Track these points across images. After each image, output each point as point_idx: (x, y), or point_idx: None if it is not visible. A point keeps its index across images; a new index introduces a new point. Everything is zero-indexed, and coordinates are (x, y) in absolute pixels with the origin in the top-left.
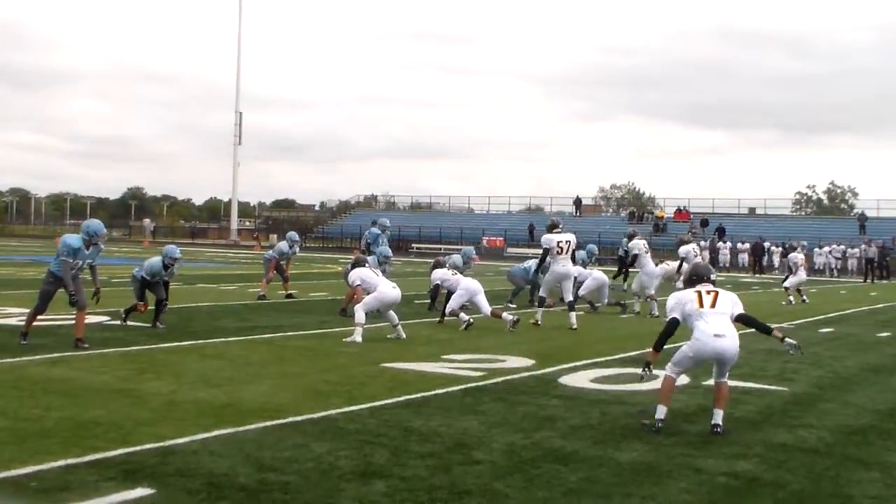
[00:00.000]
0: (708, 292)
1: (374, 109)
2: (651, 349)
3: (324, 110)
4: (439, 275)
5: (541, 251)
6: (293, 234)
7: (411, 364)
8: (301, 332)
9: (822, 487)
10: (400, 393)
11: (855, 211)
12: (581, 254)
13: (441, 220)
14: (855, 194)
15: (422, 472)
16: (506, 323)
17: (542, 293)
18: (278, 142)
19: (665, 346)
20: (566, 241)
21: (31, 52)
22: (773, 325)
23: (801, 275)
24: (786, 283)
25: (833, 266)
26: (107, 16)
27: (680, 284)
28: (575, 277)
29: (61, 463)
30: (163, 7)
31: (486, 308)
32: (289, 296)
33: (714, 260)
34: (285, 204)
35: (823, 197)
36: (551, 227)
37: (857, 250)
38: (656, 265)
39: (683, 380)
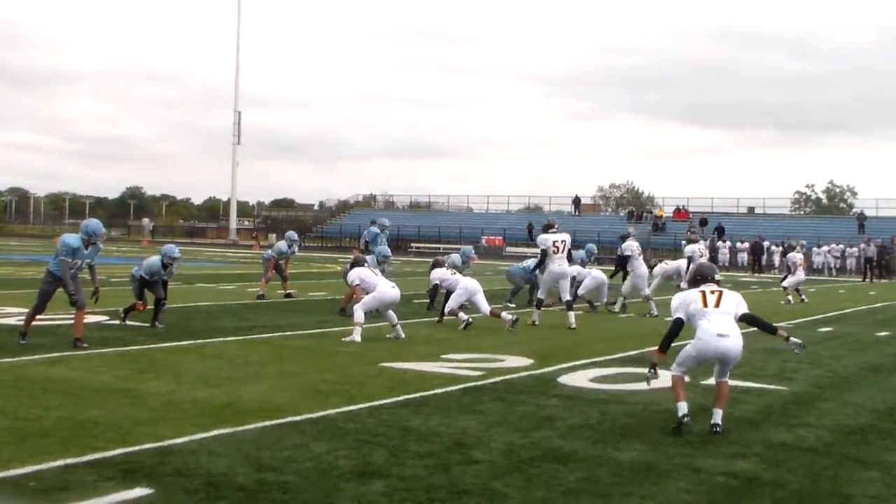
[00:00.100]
0: (712, 292)
1: (374, 109)
2: (657, 350)
3: (323, 110)
4: (438, 274)
5: (538, 251)
6: (292, 234)
7: (410, 364)
8: (300, 332)
9: (821, 487)
10: (399, 392)
11: (854, 210)
12: (580, 253)
13: (440, 219)
14: (854, 193)
15: (420, 472)
16: (505, 322)
17: (539, 294)
18: (277, 141)
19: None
20: (561, 241)
21: (29, 52)
22: (777, 324)
23: (800, 274)
24: (784, 283)
25: (832, 265)
26: (105, 16)
27: (684, 284)
28: (574, 277)
29: (60, 463)
30: (161, 7)
31: (485, 307)
32: (288, 295)
33: (713, 259)
34: (284, 203)
35: (822, 196)
36: (546, 228)
37: (855, 249)
38: (655, 265)
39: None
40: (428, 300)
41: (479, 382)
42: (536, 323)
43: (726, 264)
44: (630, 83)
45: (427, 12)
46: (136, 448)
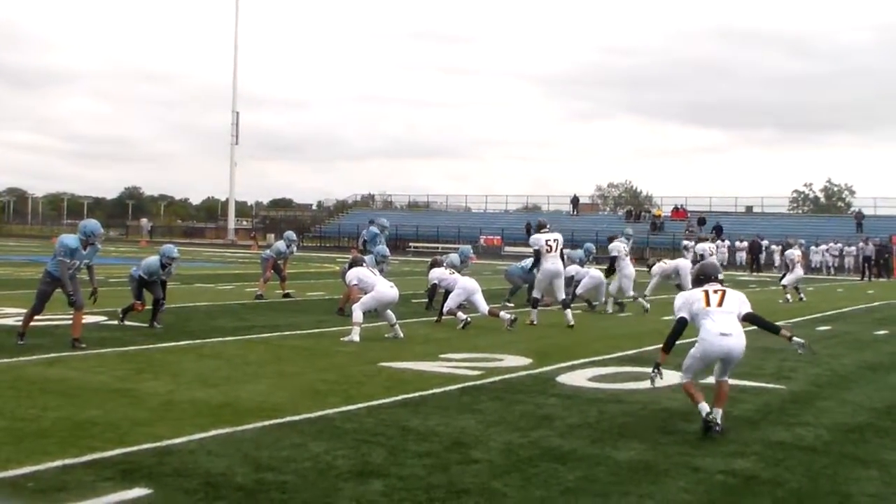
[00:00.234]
0: (715, 291)
1: (372, 109)
2: (661, 349)
3: (321, 110)
4: (437, 274)
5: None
6: (290, 234)
7: (409, 363)
8: (298, 332)
9: (820, 485)
10: (397, 392)
11: (852, 209)
12: (579, 252)
13: (438, 219)
14: (852, 192)
15: (419, 472)
16: (503, 322)
17: (535, 294)
18: (275, 141)
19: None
20: (554, 240)
21: (27, 52)
22: (780, 323)
23: (798, 271)
24: (784, 281)
25: (830, 264)
26: (103, 16)
27: (688, 283)
28: (573, 276)
29: (58, 463)
30: (159, 7)
31: (484, 307)
32: (286, 295)
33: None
34: (282, 203)
35: (820, 195)
36: (539, 228)
37: (854, 248)
38: (653, 264)
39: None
40: (426, 300)
41: (478, 382)
42: (535, 322)
43: (724, 263)
44: (630, 83)
45: (426, 12)
46: (135, 448)
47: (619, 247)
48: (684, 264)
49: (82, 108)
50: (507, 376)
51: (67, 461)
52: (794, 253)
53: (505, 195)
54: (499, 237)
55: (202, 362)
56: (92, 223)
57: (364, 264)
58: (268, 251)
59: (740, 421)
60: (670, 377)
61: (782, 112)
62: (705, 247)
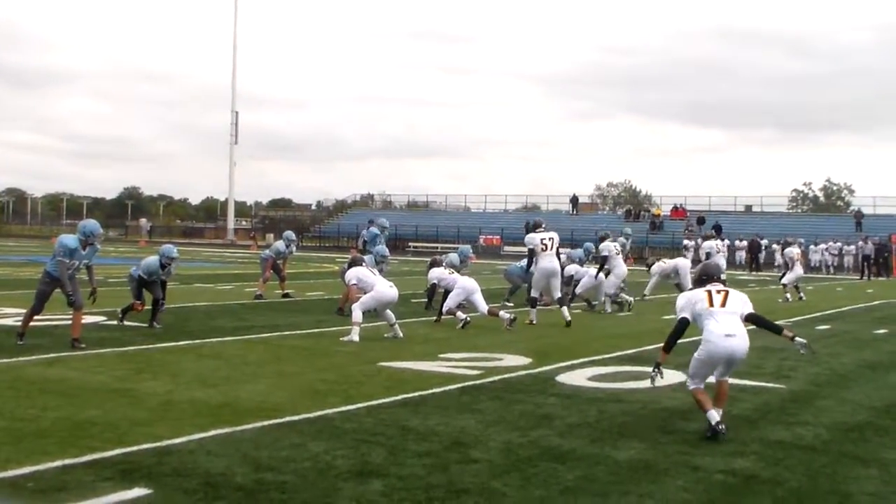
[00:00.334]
0: (718, 291)
1: (372, 109)
2: (661, 349)
3: (320, 110)
4: (436, 273)
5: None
6: (290, 234)
7: (408, 363)
8: (298, 332)
9: (819, 485)
10: (397, 392)
11: (851, 208)
12: (578, 252)
13: (438, 218)
14: (851, 191)
15: (419, 471)
16: (503, 321)
17: (532, 293)
18: (275, 141)
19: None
20: (549, 238)
21: (26, 52)
22: (780, 322)
23: (798, 270)
24: (784, 280)
25: (829, 263)
26: (103, 16)
27: (687, 282)
28: (572, 276)
29: (58, 463)
30: (159, 7)
31: (483, 307)
32: (285, 295)
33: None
34: (282, 203)
35: (820, 194)
36: (534, 227)
37: (853, 247)
38: (653, 263)
39: (680, 377)
40: (426, 299)
41: (478, 381)
42: (534, 322)
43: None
44: (629, 83)
45: (426, 12)
46: (134, 448)
47: (610, 246)
48: (683, 264)
49: (82, 108)
50: (506, 376)
51: (67, 461)
52: (794, 251)
53: (504, 195)
54: (498, 237)
55: (201, 362)
56: (91, 223)
57: (363, 264)
58: (267, 251)
59: (740, 420)
60: (670, 377)
61: (782, 112)
62: (711, 244)
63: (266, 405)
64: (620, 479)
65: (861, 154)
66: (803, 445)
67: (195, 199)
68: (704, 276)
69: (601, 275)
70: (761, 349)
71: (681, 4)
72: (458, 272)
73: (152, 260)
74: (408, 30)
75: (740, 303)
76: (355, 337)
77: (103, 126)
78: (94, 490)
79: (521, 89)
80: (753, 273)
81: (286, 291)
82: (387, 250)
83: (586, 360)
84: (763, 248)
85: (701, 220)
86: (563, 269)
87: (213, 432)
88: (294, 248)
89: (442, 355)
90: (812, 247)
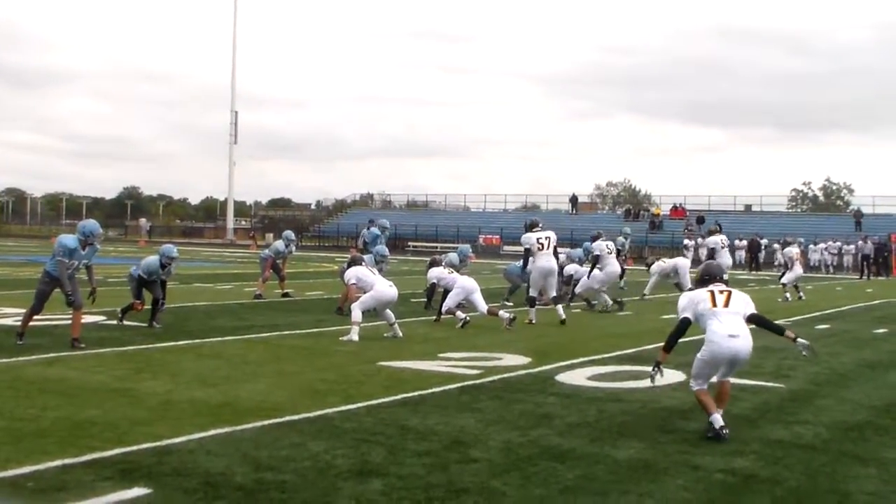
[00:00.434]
0: (721, 291)
1: (371, 108)
2: (661, 348)
3: (320, 109)
4: (435, 273)
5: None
6: (289, 233)
7: (408, 362)
8: (297, 331)
9: (818, 484)
10: (397, 391)
11: (851, 207)
12: (578, 251)
13: (437, 218)
14: (851, 191)
15: (419, 471)
16: (502, 321)
17: (531, 293)
18: (274, 141)
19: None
20: (546, 238)
21: (26, 52)
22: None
23: (798, 269)
24: (783, 280)
25: (828, 263)
26: (103, 16)
27: (686, 282)
28: (571, 275)
29: (58, 463)
30: (158, 6)
31: (483, 306)
32: (285, 295)
33: (710, 257)
34: (281, 203)
35: (819, 194)
36: (531, 227)
37: (852, 247)
38: (652, 263)
39: (680, 377)
40: (425, 299)
41: (477, 381)
42: (533, 321)
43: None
44: (629, 82)
45: (426, 11)
46: (134, 448)
47: (602, 245)
48: (683, 263)
49: (81, 108)
50: (506, 375)
51: (67, 461)
52: (792, 251)
53: (504, 194)
54: (497, 236)
55: (201, 362)
56: (91, 223)
57: (363, 263)
58: (267, 251)
59: (739, 419)
60: (670, 376)
61: (781, 111)
62: (716, 240)
63: (266, 405)
64: (620, 478)
65: (860, 153)
66: (803, 445)
67: (195, 199)
68: (707, 276)
69: (595, 272)
70: (761, 349)
71: (680, 4)
72: (458, 272)
73: (152, 259)
74: (407, 29)
75: (743, 303)
76: (355, 336)
77: (103, 126)
78: (93, 490)
79: (521, 89)
80: (753, 272)
81: (286, 291)
82: (386, 250)
83: (586, 359)
84: (763, 247)
85: (700, 220)
86: (562, 268)
87: (212, 432)
88: (293, 248)
89: (441, 355)
90: (811, 246)
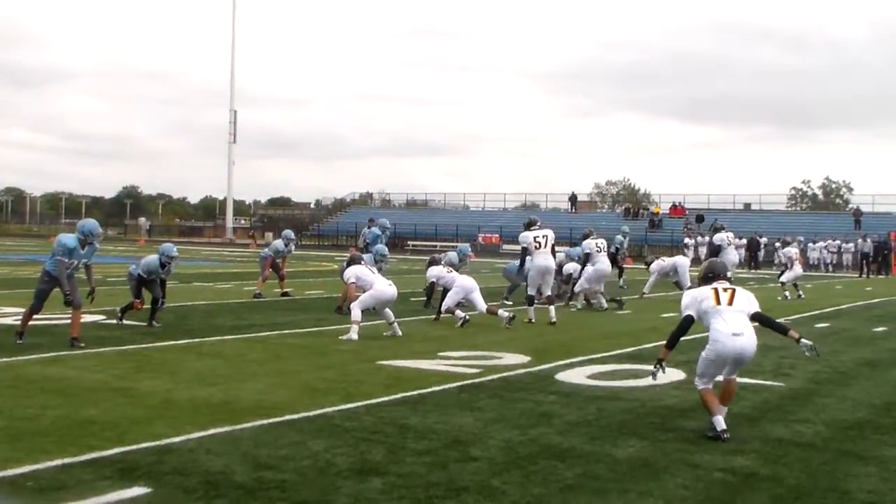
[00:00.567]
0: (724, 289)
1: (370, 106)
2: (663, 346)
3: (319, 108)
4: (435, 272)
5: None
6: (289, 232)
7: (408, 361)
8: (297, 330)
9: (818, 482)
10: (396, 390)
11: (850, 206)
12: (577, 250)
13: (437, 217)
14: (850, 189)
15: (419, 469)
16: (502, 320)
17: (529, 291)
18: (274, 140)
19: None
20: (543, 236)
21: (25, 50)
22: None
23: (797, 269)
24: (782, 279)
25: (828, 261)
26: (101, 14)
27: (686, 280)
28: (570, 274)
29: (57, 462)
30: (158, 5)
31: (482, 305)
32: (285, 294)
33: (711, 256)
34: (281, 202)
35: (818, 192)
36: (528, 225)
37: (852, 245)
38: (651, 262)
39: (679, 375)
40: (425, 298)
41: (477, 380)
42: (533, 320)
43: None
44: (628, 79)
45: (424, 9)
46: (134, 447)
47: (591, 244)
48: (682, 262)
49: (80, 107)
50: (505, 374)
51: (66, 460)
52: (792, 250)
53: (503, 193)
54: (497, 235)
55: (201, 361)
56: (90, 222)
57: (362, 262)
58: (266, 250)
59: (739, 418)
60: (670, 374)
61: (781, 109)
62: (722, 237)
63: (265, 404)
64: (620, 476)
65: (860, 151)
66: (803, 443)
67: (194, 198)
68: (710, 274)
69: (587, 268)
70: (761, 347)
71: (679, 1)
72: (457, 270)
73: (152, 259)
74: (406, 27)
75: (747, 301)
76: (354, 335)
77: (102, 124)
78: (93, 489)
79: (520, 86)
80: (752, 271)
81: (285, 290)
82: (386, 249)
83: (585, 358)
84: (762, 246)
85: (700, 218)
86: (561, 267)
87: (212, 431)
88: (293, 247)
89: (441, 354)
90: (811, 245)
